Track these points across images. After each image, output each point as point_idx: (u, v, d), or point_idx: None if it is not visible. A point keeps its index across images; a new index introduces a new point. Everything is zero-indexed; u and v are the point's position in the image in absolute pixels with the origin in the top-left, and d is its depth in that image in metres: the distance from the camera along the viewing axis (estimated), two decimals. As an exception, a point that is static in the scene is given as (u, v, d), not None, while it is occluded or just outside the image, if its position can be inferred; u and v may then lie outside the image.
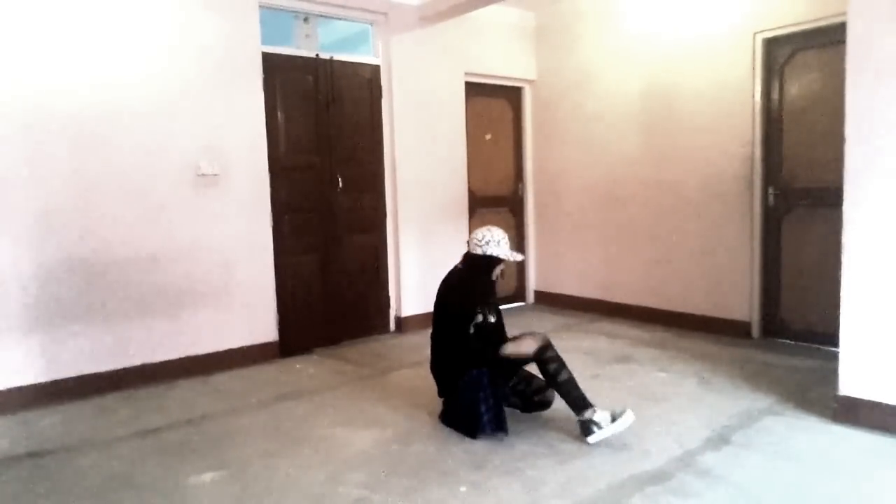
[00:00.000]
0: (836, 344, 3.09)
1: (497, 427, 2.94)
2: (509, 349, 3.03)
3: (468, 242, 3.13)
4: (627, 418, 2.86)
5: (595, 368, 4.01)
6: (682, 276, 5.00)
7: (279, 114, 4.48)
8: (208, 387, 3.87)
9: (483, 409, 2.92)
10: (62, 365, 3.65)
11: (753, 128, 4.48)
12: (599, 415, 2.87)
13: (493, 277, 3.13)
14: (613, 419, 2.87)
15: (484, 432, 2.94)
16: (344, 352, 4.62)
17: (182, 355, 4.04)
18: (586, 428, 2.87)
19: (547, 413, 3.20)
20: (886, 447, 2.77)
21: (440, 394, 3.18)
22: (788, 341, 4.44)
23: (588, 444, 2.85)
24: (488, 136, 5.96)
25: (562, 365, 2.96)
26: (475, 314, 3.04)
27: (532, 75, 6.08)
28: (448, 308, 3.12)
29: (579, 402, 2.91)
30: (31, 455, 2.92)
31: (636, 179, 5.27)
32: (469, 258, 3.12)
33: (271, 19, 4.45)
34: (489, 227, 3.11)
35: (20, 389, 3.53)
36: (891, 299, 2.88)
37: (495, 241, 3.04)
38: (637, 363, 4.10)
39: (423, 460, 2.77)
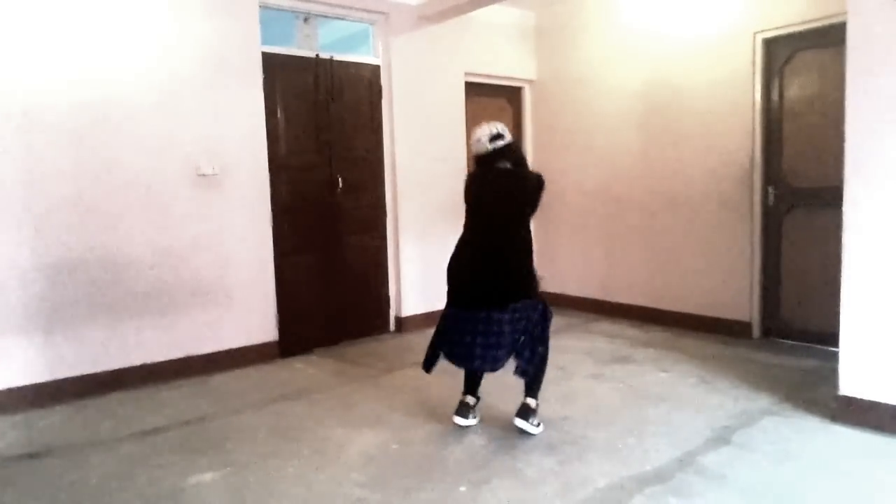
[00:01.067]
0: (836, 344, 3.09)
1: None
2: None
3: (494, 139, 2.99)
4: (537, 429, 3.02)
5: (595, 368, 4.01)
6: (682, 276, 5.00)
7: (279, 114, 4.48)
8: (208, 387, 3.87)
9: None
10: (62, 365, 3.65)
11: (753, 128, 4.48)
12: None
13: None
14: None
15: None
16: (344, 352, 4.62)
17: (182, 355, 4.04)
18: (527, 411, 2.98)
19: (546, 414, 3.20)
20: (886, 447, 2.77)
21: (499, 302, 2.88)
22: (788, 341, 4.44)
23: (514, 424, 2.98)
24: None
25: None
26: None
27: (532, 75, 6.08)
28: (520, 195, 2.97)
29: (537, 385, 3.04)
30: (31, 455, 2.92)
31: (636, 179, 5.27)
32: (510, 150, 3.04)
33: (271, 19, 4.44)
34: (482, 125, 3.06)
35: (20, 389, 3.53)
36: (891, 299, 2.88)
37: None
38: (637, 363, 4.10)
39: (423, 460, 2.77)
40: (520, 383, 3.05)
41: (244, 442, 3.02)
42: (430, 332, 3.20)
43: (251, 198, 4.31)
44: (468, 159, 5.55)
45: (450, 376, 3.26)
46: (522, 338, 2.95)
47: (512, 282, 2.92)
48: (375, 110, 5.00)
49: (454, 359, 3.04)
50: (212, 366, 4.12)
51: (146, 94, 3.85)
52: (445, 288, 3.08)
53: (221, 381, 3.98)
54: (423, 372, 3.13)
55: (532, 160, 6.23)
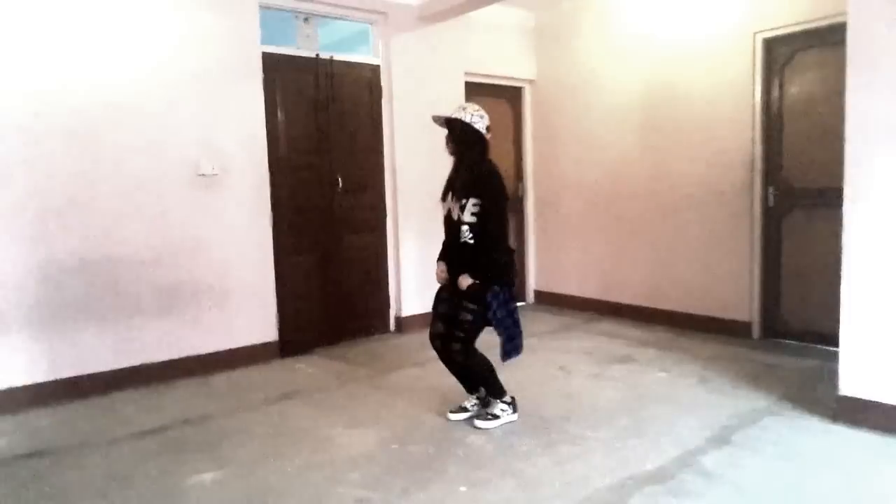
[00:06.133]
0: (836, 344, 3.09)
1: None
2: None
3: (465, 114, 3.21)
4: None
5: (595, 368, 4.01)
6: (682, 275, 5.00)
7: (279, 114, 4.48)
8: (208, 387, 3.87)
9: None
10: (62, 365, 3.65)
11: (753, 128, 4.48)
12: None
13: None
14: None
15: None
16: (344, 352, 4.62)
17: (182, 355, 4.04)
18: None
19: (546, 414, 3.20)
20: (886, 447, 2.77)
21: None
22: (788, 341, 4.44)
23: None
24: (488, 137, 5.95)
25: None
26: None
27: (532, 75, 6.07)
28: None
29: None
30: (31, 455, 2.92)
31: (636, 179, 5.27)
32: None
33: (271, 19, 4.44)
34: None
35: (20, 389, 3.53)
36: (891, 299, 2.88)
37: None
38: (637, 363, 4.10)
39: (423, 460, 2.77)
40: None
41: (244, 442, 3.02)
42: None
43: (251, 198, 4.30)
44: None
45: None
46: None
47: None
48: (375, 110, 5.00)
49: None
50: (212, 366, 4.12)
51: (146, 94, 3.85)
52: (506, 277, 3.29)
53: (221, 381, 3.98)
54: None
55: (532, 160, 6.25)
